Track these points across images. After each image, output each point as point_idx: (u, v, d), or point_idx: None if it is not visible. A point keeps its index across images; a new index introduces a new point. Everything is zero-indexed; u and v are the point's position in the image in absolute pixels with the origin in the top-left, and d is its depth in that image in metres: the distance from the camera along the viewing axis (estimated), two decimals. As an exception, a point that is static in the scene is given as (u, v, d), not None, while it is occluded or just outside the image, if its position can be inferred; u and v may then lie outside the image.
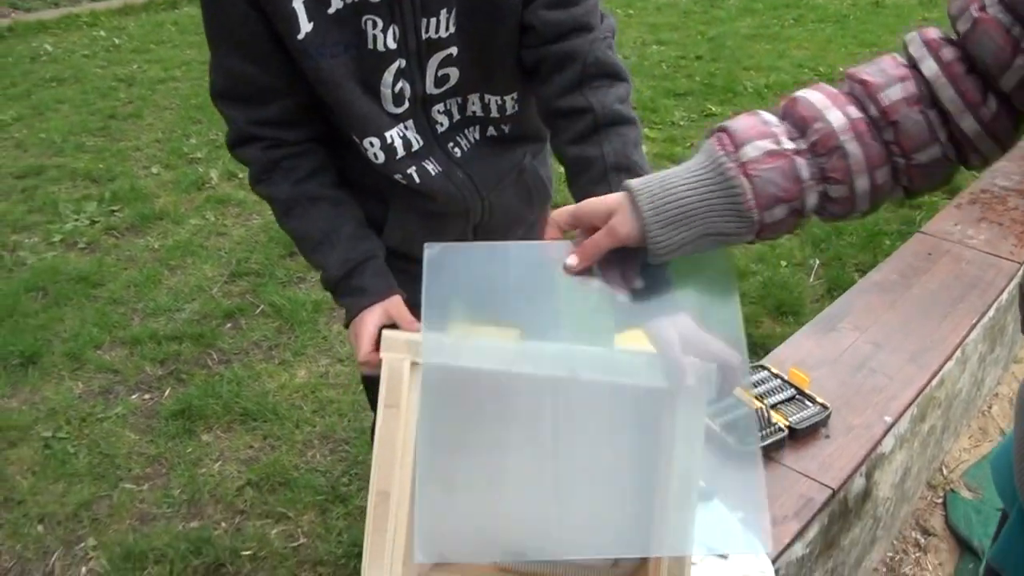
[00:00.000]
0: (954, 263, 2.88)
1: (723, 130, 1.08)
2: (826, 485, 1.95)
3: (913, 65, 1.07)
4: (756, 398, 2.18)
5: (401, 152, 1.52)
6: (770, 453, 2.06)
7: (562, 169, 1.50)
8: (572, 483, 1.35)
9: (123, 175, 5.19)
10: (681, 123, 5.93)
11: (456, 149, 1.59)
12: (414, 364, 1.30)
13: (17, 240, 4.47)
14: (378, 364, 1.31)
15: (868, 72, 1.08)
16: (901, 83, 1.06)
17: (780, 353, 2.42)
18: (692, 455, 1.24)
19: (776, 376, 2.26)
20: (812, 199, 1.06)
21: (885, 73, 1.07)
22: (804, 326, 2.56)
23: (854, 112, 1.05)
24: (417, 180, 1.55)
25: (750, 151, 1.04)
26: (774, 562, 1.74)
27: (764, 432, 2.07)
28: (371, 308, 1.50)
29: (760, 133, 1.05)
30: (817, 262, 4.18)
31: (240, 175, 5.12)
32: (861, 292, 2.72)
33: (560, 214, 1.15)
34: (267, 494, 2.85)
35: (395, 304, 1.51)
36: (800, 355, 2.40)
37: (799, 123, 1.07)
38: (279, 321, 3.77)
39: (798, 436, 2.10)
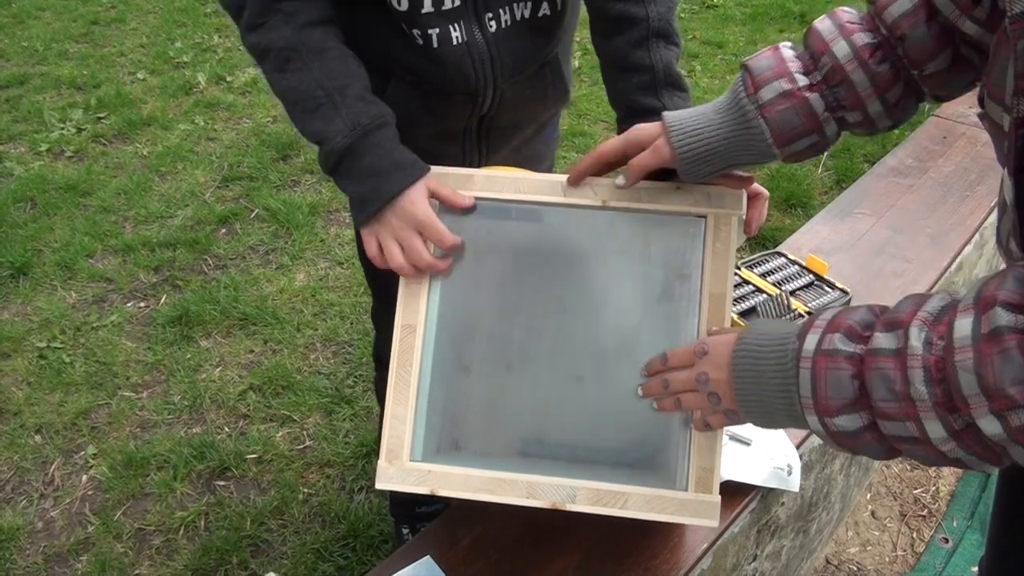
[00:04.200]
0: (970, 145, 2.80)
1: (746, 68, 1.15)
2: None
3: None
4: (774, 285, 2.11)
5: (429, 6, 1.34)
6: (790, 340, 2.00)
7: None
8: (593, 370, 1.30)
9: (108, 81, 5.04)
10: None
11: (492, 22, 1.40)
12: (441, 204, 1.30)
13: (3, 151, 4.35)
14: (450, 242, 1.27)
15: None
16: None
17: (796, 240, 2.34)
18: (725, 277, 1.26)
19: (793, 263, 2.19)
20: (832, 127, 1.14)
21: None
22: (819, 212, 2.48)
23: (861, 39, 1.11)
24: (435, 44, 1.37)
25: (766, 93, 1.12)
26: (798, 448, 1.70)
27: (784, 318, 2.01)
28: (415, 188, 1.27)
29: (777, 73, 1.13)
30: (825, 153, 4.07)
31: (228, 78, 5.00)
32: (876, 177, 2.64)
33: (609, 151, 1.24)
34: (270, 398, 2.80)
35: (434, 181, 1.30)
36: (816, 242, 2.32)
37: (815, 55, 1.13)
38: (275, 225, 3.68)
39: (818, 322, 2.04)
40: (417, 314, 1.28)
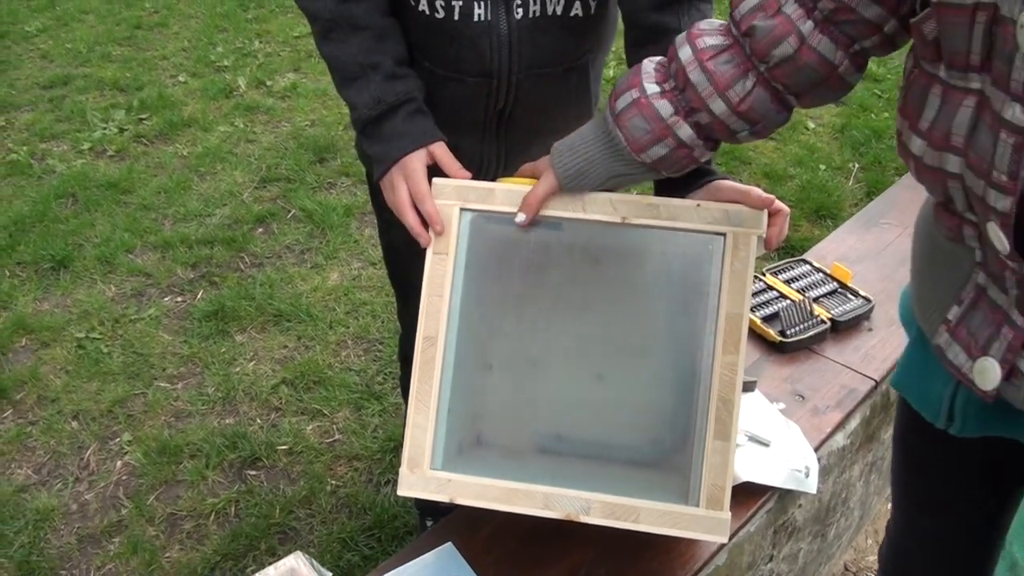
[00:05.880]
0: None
1: (614, 85, 1.25)
2: (868, 376, 1.92)
3: None
4: (798, 292, 2.14)
5: None
6: (812, 345, 2.03)
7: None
8: (614, 368, 1.33)
9: (150, 84, 5.13)
10: None
11: (520, 9, 1.42)
12: (463, 210, 1.33)
13: (46, 148, 4.44)
14: (434, 219, 1.33)
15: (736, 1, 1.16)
16: None
17: (821, 248, 2.37)
18: (743, 297, 1.28)
19: (818, 270, 2.22)
20: (685, 131, 1.20)
21: None
22: (846, 222, 2.50)
23: (704, 42, 1.16)
24: (456, 16, 1.42)
25: (620, 104, 1.22)
26: (816, 450, 1.72)
27: (806, 324, 2.04)
28: (415, 153, 1.41)
29: (629, 84, 1.22)
30: (856, 165, 4.11)
31: (268, 83, 5.07)
32: (904, 188, 2.66)
33: (525, 170, 1.37)
34: (302, 392, 2.85)
35: (440, 148, 1.43)
36: (842, 250, 2.35)
37: (668, 63, 1.21)
38: (310, 225, 3.74)
39: (840, 328, 2.07)
40: (438, 325, 1.32)
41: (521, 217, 1.31)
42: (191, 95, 5.00)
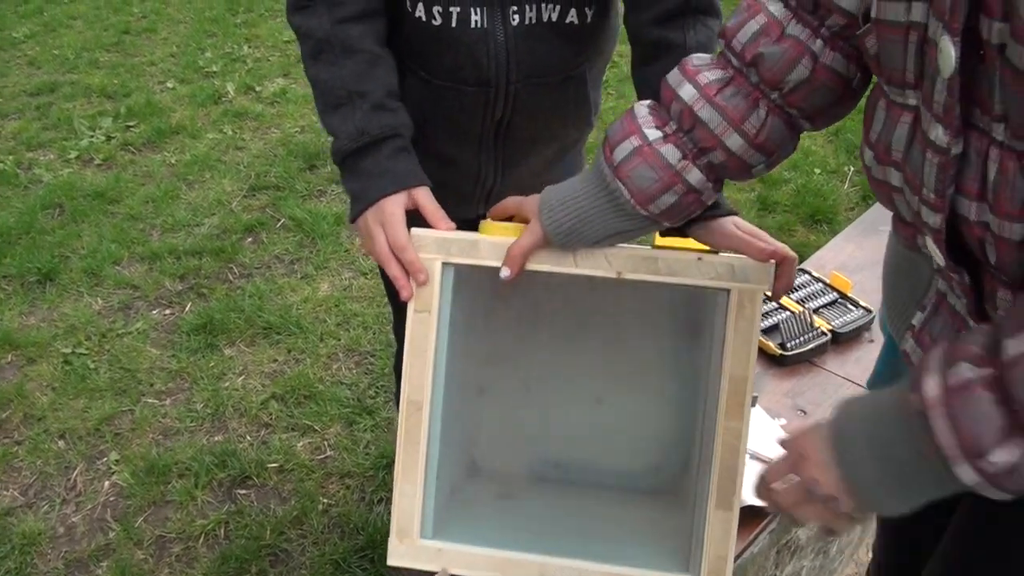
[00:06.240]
0: (999, 165, 2.78)
1: (606, 135, 1.16)
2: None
3: None
4: (797, 303, 2.10)
5: None
6: (812, 358, 1.99)
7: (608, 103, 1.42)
8: (613, 393, 1.29)
9: (138, 90, 5.09)
10: None
11: (516, 16, 1.39)
12: (446, 265, 1.23)
13: (32, 158, 4.39)
14: (415, 269, 1.23)
15: (731, 21, 1.10)
16: (754, 19, 1.07)
17: (820, 257, 2.33)
18: (747, 359, 1.18)
19: (817, 280, 2.19)
20: (695, 175, 1.11)
21: (739, 13, 1.09)
22: (844, 229, 2.47)
23: (706, 78, 1.09)
24: (452, 23, 1.37)
25: (619, 154, 1.12)
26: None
27: (806, 336, 2.00)
28: (394, 195, 1.30)
29: (626, 132, 1.13)
30: (852, 169, 4.08)
31: (257, 88, 5.02)
32: (903, 194, 2.62)
33: (504, 208, 1.28)
34: (292, 407, 2.80)
35: (422, 193, 1.32)
36: (841, 259, 2.31)
37: (666, 105, 1.13)
38: (300, 235, 3.69)
39: (841, 340, 2.04)
40: (423, 390, 1.24)
41: (505, 272, 1.21)
42: (179, 101, 4.95)
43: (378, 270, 1.89)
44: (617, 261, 1.20)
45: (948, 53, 0.81)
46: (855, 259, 2.30)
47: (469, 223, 1.65)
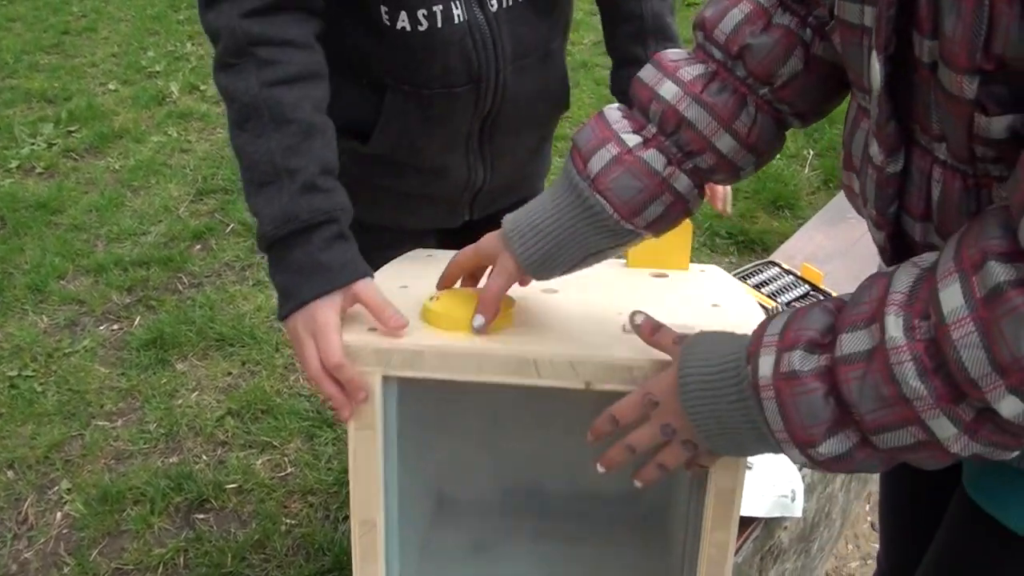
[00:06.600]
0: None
1: (573, 143, 1.04)
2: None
3: None
4: (769, 297, 2.03)
5: None
6: (786, 356, 1.93)
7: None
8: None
9: (79, 93, 4.95)
10: None
11: (494, 2, 1.34)
12: (387, 378, 1.08)
13: (-29, 169, 4.25)
14: (354, 388, 1.07)
15: (707, 10, 1.01)
16: (736, 7, 0.99)
17: (789, 248, 2.27)
18: (737, 474, 1.05)
19: (788, 272, 2.12)
20: (682, 181, 1.01)
21: (716, 2, 1.01)
22: (812, 218, 2.41)
23: (688, 73, 1.00)
24: (439, 24, 1.29)
25: (595, 165, 1.00)
26: (800, 468, 1.64)
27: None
28: (328, 296, 1.10)
29: (601, 140, 1.01)
30: (811, 153, 4.04)
31: (202, 87, 4.90)
32: (868, 178, 2.57)
33: (463, 261, 1.13)
34: (249, 423, 2.70)
35: (363, 287, 1.12)
36: (810, 249, 2.25)
37: (642, 107, 1.02)
38: (250, 239, 3.58)
39: (815, 336, 1.97)
40: (374, 509, 1.12)
41: (479, 321, 1.06)
42: (122, 103, 4.82)
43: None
44: (585, 370, 1.04)
45: (875, 70, 0.76)
46: (824, 249, 2.25)
47: (454, 233, 1.59)
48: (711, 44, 1.00)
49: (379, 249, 1.55)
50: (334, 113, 1.23)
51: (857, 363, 0.76)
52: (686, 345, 0.93)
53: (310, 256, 1.11)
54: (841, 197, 2.46)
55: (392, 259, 1.51)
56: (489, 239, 1.09)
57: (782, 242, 2.40)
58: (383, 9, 1.29)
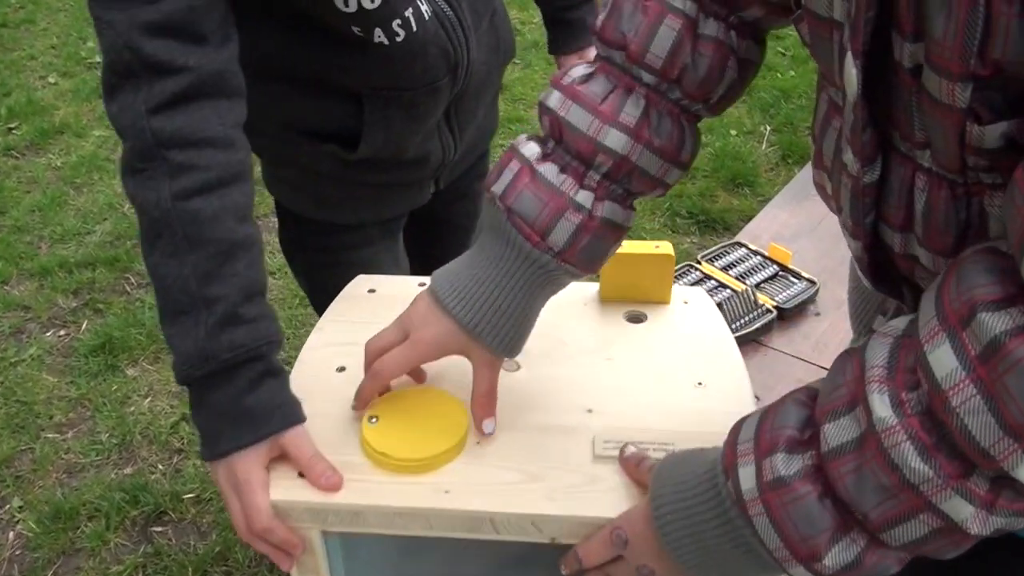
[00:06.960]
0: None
1: (512, 214, 0.92)
2: (823, 367, 1.77)
3: None
4: (737, 279, 1.97)
5: None
6: (759, 337, 1.88)
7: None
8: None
9: (18, 88, 4.77)
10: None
11: None
12: (327, 532, 0.98)
13: (-93, 172, 4.09)
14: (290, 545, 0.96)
15: (624, 25, 0.89)
16: (663, 23, 0.88)
17: (754, 227, 2.21)
18: None
19: (755, 253, 2.06)
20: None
21: (633, 14, 0.89)
22: (775, 196, 2.35)
23: (628, 116, 0.90)
24: (414, 27, 1.23)
25: (558, 238, 0.91)
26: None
27: (751, 315, 1.87)
28: (251, 448, 0.96)
29: (556, 208, 0.91)
30: (768, 128, 3.98)
31: (144, 77, 4.76)
32: (832, 150, 2.52)
33: (420, 355, 1.00)
34: (205, 429, 2.60)
35: (292, 438, 0.97)
36: (775, 228, 2.19)
37: (582, 158, 0.92)
38: (200, 235, 3.47)
39: (787, 316, 1.93)
40: None
41: (490, 427, 1.00)
42: (62, 97, 4.66)
43: (287, 270, 1.70)
44: (549, 527, 0.94)
45: (851, 75, 0.68)
46: (789, 227, 2.19)
47: (421, 212, 1.60)
48: (639, 68, 0.90)
49: (352, 249, 1.55)
50: (319, 124, 1.24)
51: (847, 455, 0.68)
52: (655, 472, 0.86)
53: (232, 400, 0.97)
54: (804, 173, 2.40)
55: (363, 258, 1.52)
56: (448, 335, 0.97)
57: (743, 220, 2.35)
58: (355, 30, 1.21)
